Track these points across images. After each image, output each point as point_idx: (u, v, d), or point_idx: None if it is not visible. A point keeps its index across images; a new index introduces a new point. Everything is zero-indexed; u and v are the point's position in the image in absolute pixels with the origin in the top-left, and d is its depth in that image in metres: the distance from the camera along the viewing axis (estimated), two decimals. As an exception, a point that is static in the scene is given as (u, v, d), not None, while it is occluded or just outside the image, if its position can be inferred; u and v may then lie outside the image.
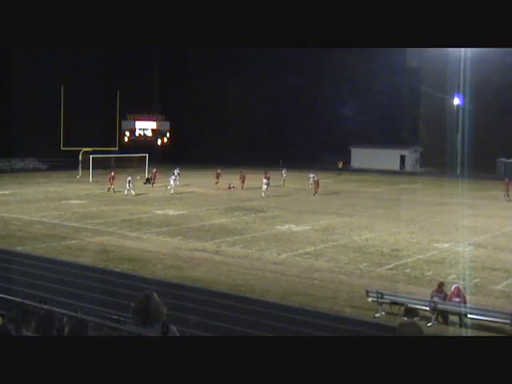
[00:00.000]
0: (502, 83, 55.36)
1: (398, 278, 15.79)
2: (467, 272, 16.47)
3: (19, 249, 18.67)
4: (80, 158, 44.98)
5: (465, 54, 50.29)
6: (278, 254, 18.44)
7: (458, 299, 12.29)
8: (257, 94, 70.14)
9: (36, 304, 5.04)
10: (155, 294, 4.20)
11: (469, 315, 12.03)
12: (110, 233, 21.69)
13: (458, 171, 48.77)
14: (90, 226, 22.95)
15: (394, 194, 37.10)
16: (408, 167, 61.86)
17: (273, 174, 40.55)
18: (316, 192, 35.00)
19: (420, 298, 13.00)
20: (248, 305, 13.25)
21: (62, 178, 43.40)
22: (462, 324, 12.10)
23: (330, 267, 16.87)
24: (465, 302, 12.29)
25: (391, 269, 16.88)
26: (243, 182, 37.55)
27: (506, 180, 35.65)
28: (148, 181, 39.54)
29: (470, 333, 11.66)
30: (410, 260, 18.04)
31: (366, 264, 17.31)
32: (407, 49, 52.62)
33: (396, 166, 61.34)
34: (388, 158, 61.20)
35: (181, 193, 34.80)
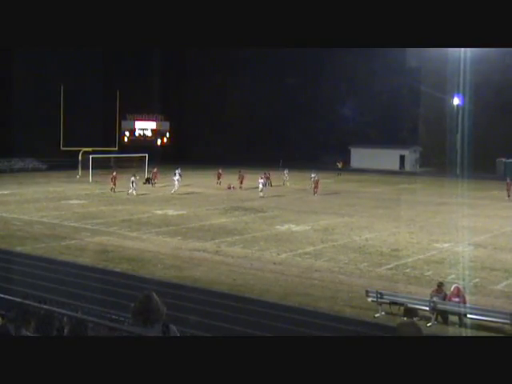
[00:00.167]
0: (502, 83, 55.36)
1: (397, 278, 15.79)
2: (467, 272, 16.48)
3: (19, 249, 18.67)
4: (80, 158, 44.98)
5: (464, 54, 50.28)
6: (278, 254, 18.44)
7: (457, 299, 12.29)
8: (257, 94, 70.14)
9: (36, 304, 5.05)
10: (155, 294, 4.20)
11: (468, 315, 12.04)
12: (109, 233, 21.69)
13: (458, 171, 48.79)
14: (89, 226, 22.94)
15: (393, 194, 37.10)
16: (408, 167, 61.87)
17: (273, 174, 40.64)
18: (315, 192, 34.99)
19: (420, 297, 13.00)
20: (248, 305, 13.25)
21: (62, 178, 43.40)
22: (461, 324, 12.10)
23: (330, 267, 16.87)
24: (464, 302, 12.29)
25: (391, 269, 16.88)
26: (242, 181, 37.52)
27: (508, 180, 35.62)
28: (148, 181, 39.52)
29: (469, 333, 11.66)
30: (409, 260, 18.04)
31: (365, 264, 17.32)
32: (407, 49, 52.61)
33: (396, 166, 61.35)
34: (388, 158, 61.21)
35: (181, 193, 34.79)
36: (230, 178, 39.13)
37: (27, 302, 5.10)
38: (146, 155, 45.10)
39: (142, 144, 61.93)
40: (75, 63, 57.69)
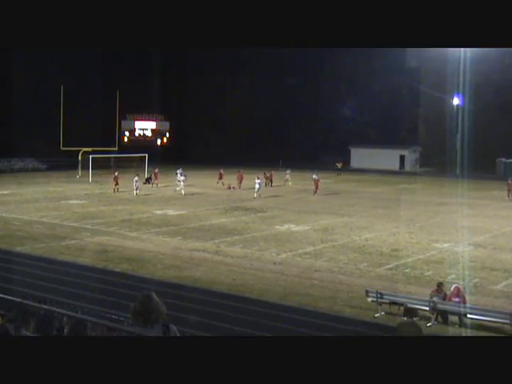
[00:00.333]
0: (502, 83, 55.38)
1: (397, 278, 15.79)
2: (467, 272, 16.48)
3: (19, 249, 18.67)
4: (80, 158, 44.98)
5: (464, 54, 50.29)
6: (278, 254, 18.44)
7: (457, 299, 12.30)
8: (256, 94, 70.14)
9: (35, 304, 5.05)
10: (154, 294, 4.20)
11: (468, 315, 12.04)
12: (109, 233, 21.69)
13: (458, 171, 48.79)
14: (89, 226, 22.94)
15: (393, 194, 37.10)
16: (408, 167, 61.87)
17: (274, 174, 40.63)
18: (316, 192, 35.00)
19: (419, 297, 13.00)
20: (247, 305, 13.25)
21: (62, 178, 43.39)
22: (461, 324, 12.11)
23: (330, 267, 16.88)
24: (464, 302, 12.29)
25: (391, 269, 16.88)
26: (241, 181, 37.51)
27: (509, 181, 35.62)
28: (147, 181, 39.49)
29: (469, 333, 11.66)
30: (409, 260, 18.04)
31: (365, 264, 17.32)
32: (407, 49, 52.63)
33: (396, 166, 61.35)
34: (388, 158, 61.21)
35: (182, 193, 34.79)
36: (230, 178, 39.14)
37: (27, 302, 5.10)
38: (146, 155, 45.11)
39: (141, 144, 61.91)
40: (75, 63, 57.70)
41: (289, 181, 40.71)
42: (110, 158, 50.84)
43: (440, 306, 12.29)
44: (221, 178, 39.40)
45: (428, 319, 12.21)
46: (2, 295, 5.82)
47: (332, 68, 65.46)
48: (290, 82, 67.59)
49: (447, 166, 52.71)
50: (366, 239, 21.26)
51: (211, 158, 60.12)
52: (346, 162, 59.43)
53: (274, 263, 17.28)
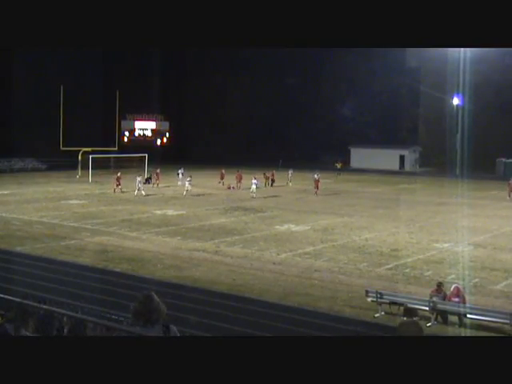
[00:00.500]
0: (502, 83, 55.37)
1: (397, 278, 15.79)
2: (467, 272, 16.48)
3: (18, 249, 18.67)
4: (79, 158, 44.98)
5: (464, 54, 50.29)
6: (278, 254, 18.44)
7: (457, 299, 12.30)
8: (256, 94, 70.13)
9: (35, 304, 5.05)
10: (155, 295, 4.21)
11: (468, 315, 12.04)
12: (109, 233, 21.69)
13: (458, 171, 48.79)
14: (89, 226, 22.94)
15: (393, 194, 37.11)
16: (407, 167, 61.86)
17: (275, 174, 40.64)
18: (316, 192, 35.03)
19: (419, 297, 13.00)
20: (247, 305, 13.25)
21: (62, 178, 43.39)
22: (461, 324, 12.11)
23: (330, 267, 16.88)
24: (464, 302, 12.30)
25: (390, 269, 16.88)
26: (240, 181, 37.58)
27: (511, 181, 35.62)
28: (147, 181, 39.48)
29: (469, 333, 11.67)
30: (409, 260, 18.04)
31: (365, 264, 17.32)
32: (407, 49, 52.63)
33: (395, 166, 61.35)
34: (387, 158, 61.20)
35: (181, 193, 34.81)
36: (230, 178, 39.16)
37: (27, 301, 5.10)
38: (146, 155, 45.10)
39: (141, 144, 61.89)
40: (75, 63, 57.68)
41: (290, 181, 40.76)
42: (109, 158, 50.84)
43: (440, 306, 12.29)
44: (222, 177, 39.43)
45: (428, 319, 12.21)
46: (1, 295, 5.82)
47: (332, 68, 65.47)
48: (290, 82, 67.56)
49: (447, 166, 52.70)
50: (366, 239, 21.26)
51: (211, 158, 60.11)
52: (346, 162, 59.41)
53: (274, 263, 17.28)
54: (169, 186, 38.04)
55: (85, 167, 42.83)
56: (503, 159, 54.92)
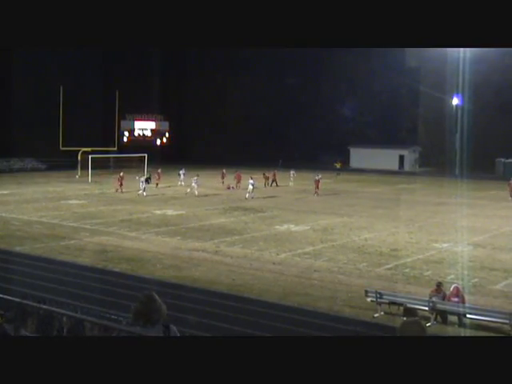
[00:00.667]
0: (501, 83, 55.39)
1: (396, 278, 15.80)
2: (466, 272, 16.49)
3: (18, 249, 18.66)
4: (79, 158, 44.97)
5: (464, 54, 50.32)
6: (277, 254, 18.44)
7: (456, 299, 12.30)
8: (256, 94, 70.12)
9: (35, 304, 5.05)
10: (156, 295, 4.21)
11: (468, 315, 12.05)
12: (108, 233, 21.68)
13: (457, 171, 48.79)
14: (88, 226, 22.94)
15: (393, 194, 37.12)
16: (407, 167, 61.88)
17: (277, 174, 40.65)
18: (316, 192, 35.04)
19: (419, 297, 13.01)
20: (247, 305, 13.25)
21: (61, 177, 43.38)
22: (460, 324, 12.11)
23: (329, 267, 16.88)
24: (463, 302, 12.30)
25: (390, 269, 16.88)
26: (239, 181, 37.65)
27: (511, 181, 35.63)
28: (147, 181, 39.43)
29: (468, 333, 11.67)
30: (408, 260, 18.05)
31: (364, 264, 17.32)
32: (406, 49, 52.64)
33: (395, 166, 61.36)
34: (387, 158, 61.21)
35: (181, 193, 34.81)
36: (229, 178, 39.20)
37: (26, 302, 5.10)
38: (146, 155, 45.09)
39: (141, 144, 61.87)
40: (75, 63, 57.67)
41: (291, 181, 40.80)
42: (109, 158, 50.83)
43: (439, 306, 12.30)
44: (223, 177, 39.46)
45: (427, 319, 12.21)
46: (1, 295, 5.82)
47: (332, 68, 65.47)
48: (290, 82, 67.56)
49: (447, 165, 52.72)
50: (366, 239, 21.27)
51: (211, 158, 60.11)
52: (345, 161, 59.41)
53: (274, 263, 17.28)
54: (169, 186, 38.02)
55: (84, 167, 42.83)
56: (502, 159, 54.94)
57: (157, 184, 37.86)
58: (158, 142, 68.77)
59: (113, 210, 27.38)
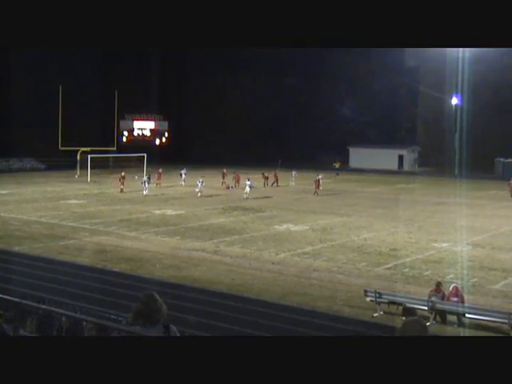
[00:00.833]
0: (500, 83, 55.44)
1: (396, 278, 15.81)
2: (465, 271, 16.51)
3: (17, 248, 18.65)
4: (78, 157, 44.95)
5: (463, 54, 50.35)
6: (277, 254, 18.44)
7: (456, 299, 12.31)
8: (256, 94, 70.12)
9: (34, 304, 5.04)
10: (156, 294, 4.21)
11: (467, 315, 12.06)
12: (108, 233, 21.68)
13: (456, 171, 48.82)
14: (88, 226, 22.93)
15: (392, 194, 37.13)
16: (406, 167, 61.91)
17: (274, 174, 40.63)
18: (317, 192, 35.06)
19: (418, 297, 13.02)
20: (246, 304, 13.26)
21: (61, 177, 43.35)
22: (460, 323, 12.13)
23: (329, 267, 16.88)
24: (463, 302, 12.31)
25: (389, 268, 16.89)
26: (238, 181, 37.73)
27: (511, 181, 35.64)
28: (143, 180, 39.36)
29: (467, 332, 11.68)
30: (408, 260, 18.06)
31: (364, 264, 17.33)
32: (406, 49, 52.65)
33: (394, 166, 61.39)
34: (386, 158, 61.24)
35: (181, 192, 34.81)
36: (229, 178, 39.23)
37: (25, 301, 5.10)
38: (145, 155, 45.07)
39: (140, 144, 61.85)
40: (74, 63, 57.64)
41: (293, 181, 40.84)
42: (108, 157, 50.81)
43: (438, 306, 12.31)
44: (224, 177, 39.48)
45: (426, 319, 12.22)
46: (0, 295, 5.81)
47: (331, 68, 65.48)
48: (290, 82, 67.57)
49: (446, 165, 52.75)
50: (365, 239, 21.28)
51: (210, 158, 60.10)
52: (344, 161, 59.41)
53: (273, 263, 17.28)
54: (170, 186, 38.00)
55: (83, 167, 42.81)
56: (502, 159, 54.97)
57: (157, 184, 37.82)
58: (158, 141, 68.75)
59: (112, 210, 27.37)
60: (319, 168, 45.85)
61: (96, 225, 23.23)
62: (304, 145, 66.27)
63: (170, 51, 60.47)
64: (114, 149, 50.41)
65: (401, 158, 62.62)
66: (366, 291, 13.16)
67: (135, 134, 68.76)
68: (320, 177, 36.21)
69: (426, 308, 12.37)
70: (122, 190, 34.08)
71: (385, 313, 12.69)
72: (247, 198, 31.93)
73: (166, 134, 69.80)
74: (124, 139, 66.14)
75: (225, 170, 40.09)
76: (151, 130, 69.16)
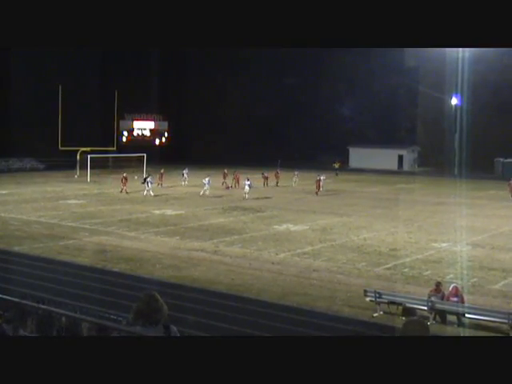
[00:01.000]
0: (500, 83, 55.44)
1: (395, 278, 15.81)
2: (465, 271, 16.51)
3: (17, 249, 18.65)
4: (78, 157, 44.93)
5: (463, 54, 50.36)
6: (276, 254, 18.44)
7: (455, 299, 12.32)
8: (256, 93, 70.12)
9: (34, 304, 5.05)
10: (157, 294, 4.20)
11: (467, 315, 12.07)
12: (107, 232, 21.67)
13: (456, 171, 48.84)
14: (87, 226, 22.92)
15: (392, 194, 37.14)
16: (406, 167, 61.92)
17: (273, 174, 40.62)
18: (317, 192, 35.06)
19: (418, 297, 13.02)
20: (246, 304, 13.26)
21: (60, 177, 43.34)
22: (459, 323, 12.13)
23: (328, 267, 16.89)
24: (463, 302, 12.32)
25: (389, 268, 16.90)
26: (238, 182, 37.77)
27: (511, 181, 35.65)
28: (146, 181, 39.33)
29: (467, 332, 11.69)
30: (407, 260, 18.06)
31: (364, 264, 17.33)
32: (405, 49, 52.65)
33: (394, 166, 61.40)
34: (386, 158, 61.25)
35: (180, 192, 34.80)
36: (230, 178, 39.22)
37: (25, 302, 5.10)
38: (145, 155, 45.05)
39: (140, 144, 61.84)
40: (74, 63, 57.61)
41: (295, 182, 40.87)
42: (108, 157, 50.80)
43: (438, 306, 12.31)
44: (225, 177, 39.49)
45: (426, 319, 12.22)
46: (0, 295, 5.81)
47: (331, 68, 65.48)
48: (289, 82, 67.56)
49: (445, 165, 52.77)
50: (365, 239, 21.28)
51: (210, 158, 60.09)
52: (344, 161, 59.41)
53: (273, 263, 17.28)
54: (171, 187, 37.98)
55: (83, 167, 42.80)
56: (501, 159, 55.00)
57: (159, 184, 37.76)
58: (157, 141, 68.73)
59: (112, 210, 27.37)
60: (319, 168, 45.83)
61: (96, 225, 23.23)
62: (304, 145, 66.26)
63: (170, 51, 60.43)
64: (114, 149, 50.40)
65: (400, 158, 62.63)
66: (365, 291, 13.16)
67: (135, 134, 68.74)
68: (322, 177, 36.21)
69: (425, 308, 12.38)
70: (125, 191, 34.04)
71: (384, 313, 12.69)
72: (247, 198, 31.95)
73: (166, 134, 69.79)
74: (124, 139, 66.10)
75: (226, 170, 40.09)
76: (151, 130, 69.14)
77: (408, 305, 12.71)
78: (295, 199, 33.47)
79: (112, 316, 10.46)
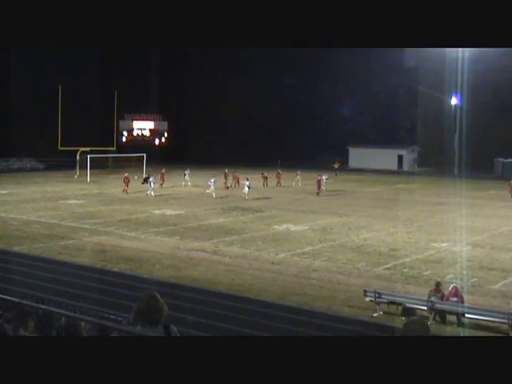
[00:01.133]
0: (500, 83, 55.44)
1: (395, 278, 15.81)
2: (465, 272, 16.51)
3: (17, 249, 18.65)
4: (78, 157, 44.93)
5: (462, 54, 50.37)
6: (276, 254, 18.44)
7: (455, 299, 12.32)
8: (255, 93, 70.13)
9: (34, 304, 5.04)
10: (158, 295, 4.20)
11: (466, 315, 12.07)
12: (107, 233, 21.67)
13: (456, 171, 48.85)
14: (87, 226, 22.92)
15: (391, 194, 37.14)
16: (406, 167, 61.93)
17: (275, 174, 40.60)
18: (318, 192, 35.06)
19: (418, 297, 13.03)
20: (246, 304, 13.26)
21: (60, 177, 43.34)
22: (459, 323, 12.13)
23: (328, 267, 16.89)
24: (462, 302, 12.32)
25: (389, 268, 16.90)
26: (237, 182, 37.79)
27: (511, 181, 35.67)
28: (145, 181, 39.35)
29: (467, 332, 11.69)
30: (407, 260, 18.07)
31: (363, 264, 17.33)
32: (405, 49, 52.66)
33: (394, 166, 61.40)
34: (386, 158, 61.25)
35: (180, 192, 34.80)
36: (230, 179, 39.19)
37: (25, 302, 5.10)
38: (144, 155, 45.05)
39: (140, 144, 61.83)
40: (73, 63, 57.62)
41: (297, 182, 40.87)
42: (107, 157, 50.79)
43: (438, 306, 12.31)
44: (226, 177, 39.49)
45: (426, 319, 12.22)
46: (0, 295, 5.81)
47: (330, 68, 65.48)
48: (289, 82, 67.57)
49: (445, 165, 52.78)
50: (365, 239, 21.28)
51: (210, 158, 60.08)
52: (344, 161, 59.42)
53: (273, 263, 17.28)
54: (171, 187, 37.97)
55: (83, 167, 42.80)
56: (501, 159, 55.01)
57: (160, 184, 37.74)
58: (157, 141, 68.72)
59: (111, 210, 27.37)
60: (319, 168, 45.82)
61: (95, 225, 23.23)
62: (304, 145, 66.26)
63: (170, 51, 60.44)
64: (114, 149, 50.40)
65: (400, 158, 62.64)
66: (365, 291, 13.16)
67: (135, 134, 68.75)
68: (324, 177, 36.19)
69: (425, 308, 12.38)
70: (125, 191, 34.03)
71: (384, 313, 12.70)
72: (246, 198, 31.94)
73: (166, 134, 69.80)
74: (123, 139, 66.12)
75: (226, 171, 40.08)
76: (151, 130, 69.15)
77: (408, 305, 12.72)
78: (295, 199, 33.47)
79: (112, 316, 10.46)
